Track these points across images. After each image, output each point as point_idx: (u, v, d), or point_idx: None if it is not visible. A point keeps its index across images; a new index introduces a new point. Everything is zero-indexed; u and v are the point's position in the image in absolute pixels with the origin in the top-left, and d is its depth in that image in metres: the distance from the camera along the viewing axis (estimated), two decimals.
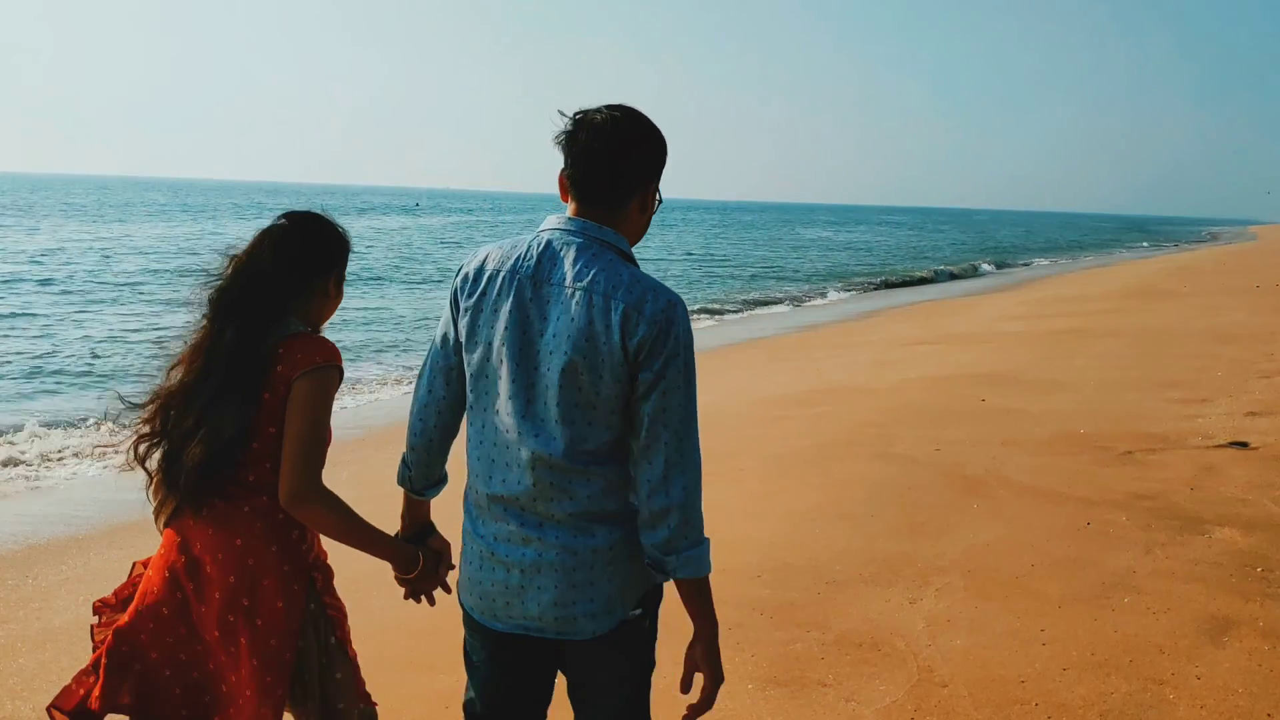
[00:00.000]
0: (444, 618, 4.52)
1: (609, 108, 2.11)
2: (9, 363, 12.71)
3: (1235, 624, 4.33)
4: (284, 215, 2.43)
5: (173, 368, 2.34)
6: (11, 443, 8.50)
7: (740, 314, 21.52)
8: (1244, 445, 7.45)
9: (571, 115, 2.11)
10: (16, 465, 7.87)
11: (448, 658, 4.14)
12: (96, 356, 13.42)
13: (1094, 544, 5.38)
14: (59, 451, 8.24)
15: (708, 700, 2.13)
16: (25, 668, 4.13)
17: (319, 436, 2.25)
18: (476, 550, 2.17)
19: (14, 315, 17.00)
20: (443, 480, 2.39)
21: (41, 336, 14.99)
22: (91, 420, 9.34)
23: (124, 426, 2.35)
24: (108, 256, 29.36)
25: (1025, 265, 42.11)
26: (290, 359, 2.26)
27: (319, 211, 2.48)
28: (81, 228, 44.03)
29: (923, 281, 32.33)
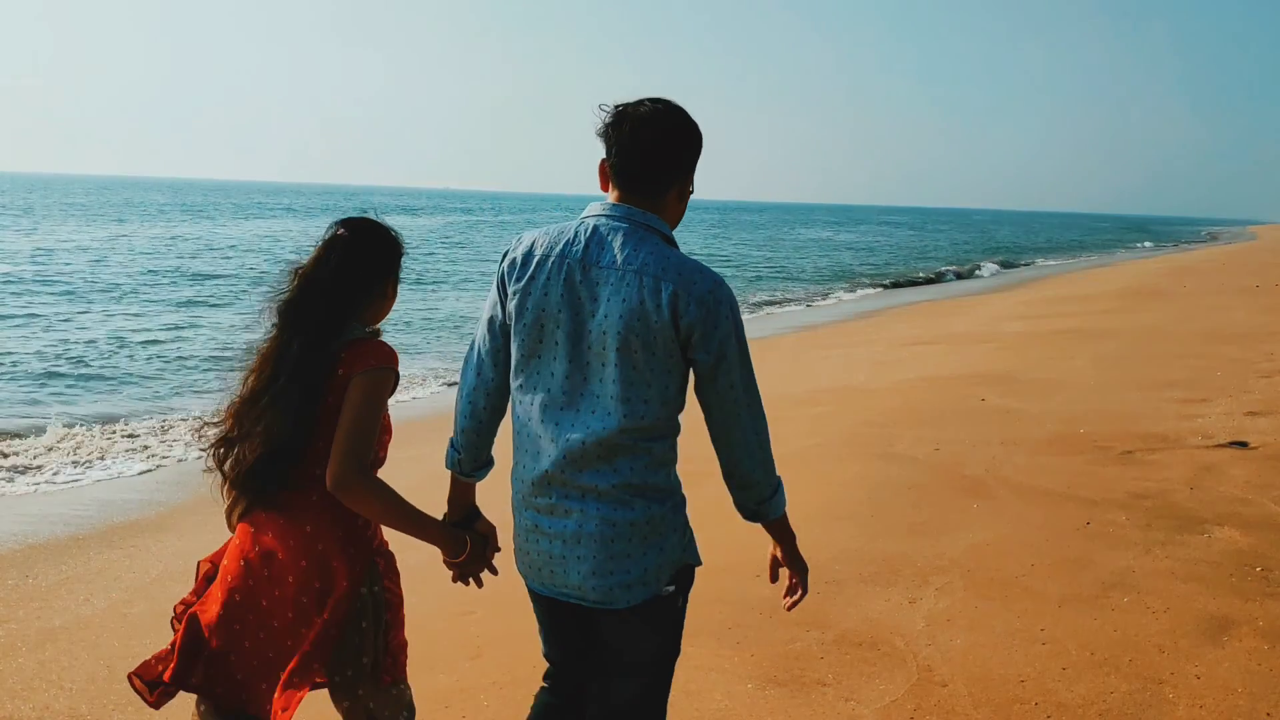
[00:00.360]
0: (442, 618, 4.54)
1: (650, 100, 2.23)
2: (26, 362, 12.70)
3: (1235, 623, 4.33)
4: (341, 224, 2.51)
5: (246, 376, 2.47)
6: (23, 441, 8.50)
7: (752, 315, 21.47)
8: (1244, 445, 7.45)
9: (613, 107, 2.23)
10: (35, 469, 7.85)
11: (447, 658, 4.14)
12: (107, 356, 13.42)
13: (1094, 543, 5.38)
14: (74, 451, 8.24)
15: (804, 585, 2.46)
16: (25, 667, 4.13)
17: (365, 429, 2.35)
18: (523, 522, 2.31)
19: (30, 315, 17.03)
20: (490, 462, 2.49)
21: (53, 334, 15.01)
22: (119, 420, 9.38)
23: (204, 437, 2.50)
24: (98, 260, 29.25)
25: (1028, 265, 42.10)
26: (351, 361, 2.38)
27: (373, 217, 2.56)
28: (83, 228, 43.99)
29: (930, 281, 32.38)
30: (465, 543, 2.50)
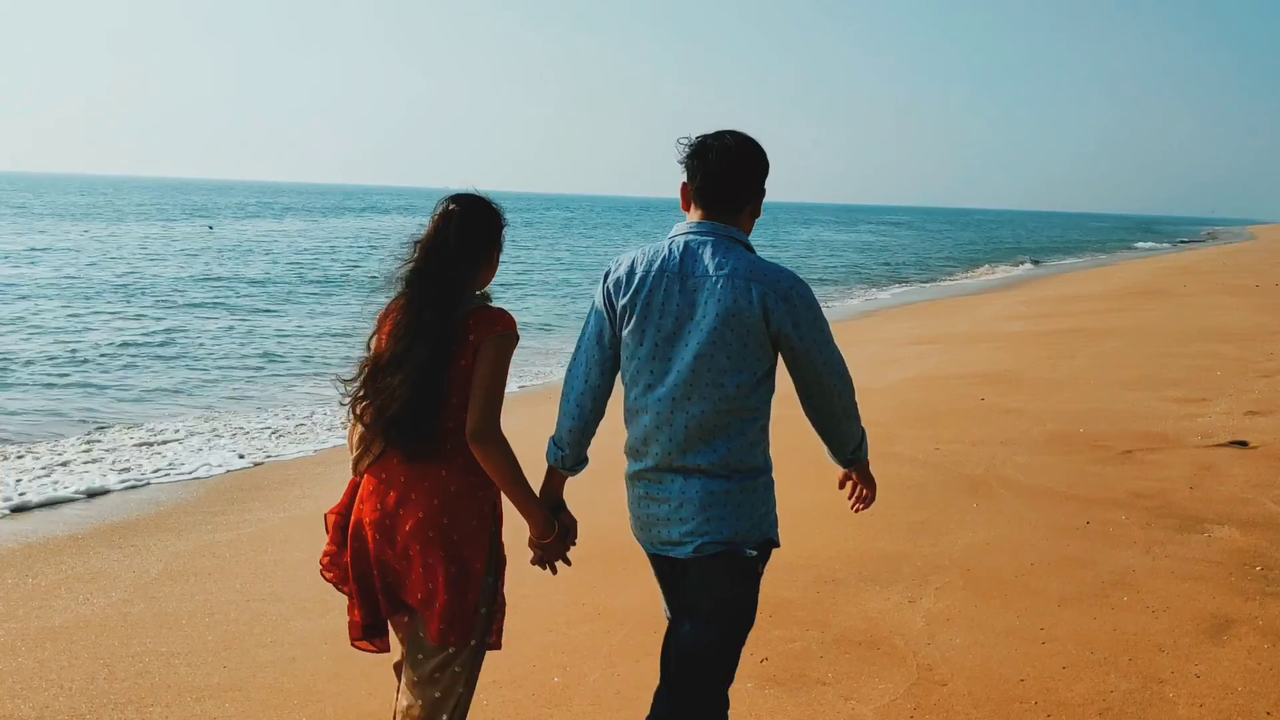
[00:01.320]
0: None
1: (729, 134, 2.65)
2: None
3: (1235, 622, 4.33)
4: (451, 199, 2.77)
5: (372, 338, 2.77)
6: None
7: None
8: (1244, 444, 7.45)
9: (694, 139, 2.65)
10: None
11: None
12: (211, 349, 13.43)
13: (1093, 543, 5.38)
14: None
15: (872, 496, 2.93)
16: (25, 666, 4.13)
17: (498, 388, 2.64)
18: (636, 492, 2.69)
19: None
20: (587, 460, 2.80)
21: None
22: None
23: (342, 394, 2.77)
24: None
25: (1039, 264, 42.07)
26: (479, 328, 2.64)
27: (478, 194, 2.82)
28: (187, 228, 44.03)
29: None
30: (554, 526, 2.79)
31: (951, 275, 35.03)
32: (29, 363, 12.63)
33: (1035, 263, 41.22)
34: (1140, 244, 64.63)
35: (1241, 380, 10.20)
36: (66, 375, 11.98)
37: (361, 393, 2.72)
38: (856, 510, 2.98)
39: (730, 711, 3.42)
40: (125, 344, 14.38)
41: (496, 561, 2.76)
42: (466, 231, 2.72)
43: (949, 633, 4.29)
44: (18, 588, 5.08)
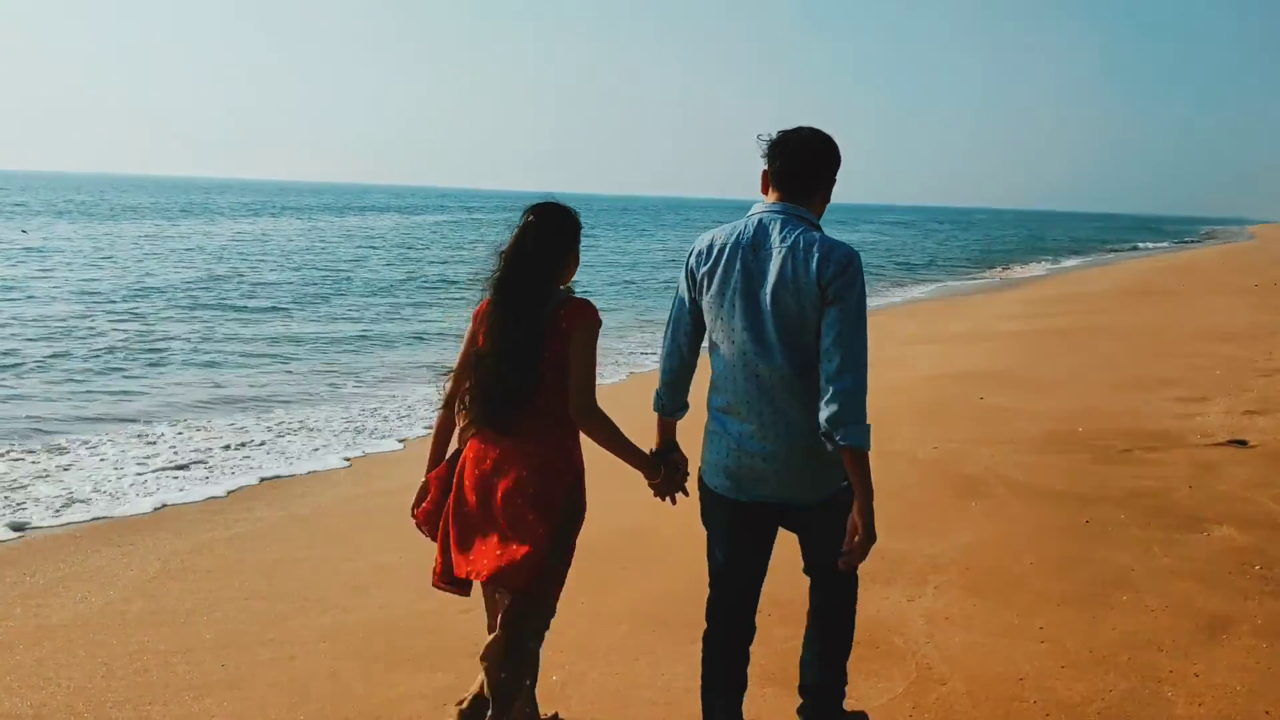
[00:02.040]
0: (441, 616, 4.53)
1: (806, 129, 3.00)
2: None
3: (1233, 622, 4.33)
4: (531, 210, 3.15)
5: (471, 333, 3.18)
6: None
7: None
8: (1243, 443, 7.45)
9: (776, 133, 3.00)
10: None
11: (446, 656, 4.14)
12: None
13: (1092, 542, 5.38)
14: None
15: (862, 551, 2.91)
16: (22, 664, 4.12)
17: (591, 369, 3.06)
18: (725, 445, 2.98)
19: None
20: (686, 406, 3.22)
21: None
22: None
23: (440, 381, 3.27)
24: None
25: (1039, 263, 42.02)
26: (569, 319, 3.05)
27: (554, 201, 3.20)
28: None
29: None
30: (660, 468, 3.21)
31: (977, 273, 35.00)
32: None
33: (1055, 261, 41.18)
34: (1141, 243, 64.54)
35: (1241, 379, 10.20)
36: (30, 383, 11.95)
37: (462, 377, 3.17)
38: (844, 565, 2.94)
39: None
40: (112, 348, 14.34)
41: (574, 526, 3.16)
42: (543, 239, 3.10)
43: (948, 631, 4.29)
44: (16, 585, 5.08)
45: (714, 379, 3.03)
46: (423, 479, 3.32)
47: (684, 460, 3.30)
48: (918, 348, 13.72)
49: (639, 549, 5.41)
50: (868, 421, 2.80)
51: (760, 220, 2.95)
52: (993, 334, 15.01)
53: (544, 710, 3.53)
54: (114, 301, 18.95)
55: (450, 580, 3.18)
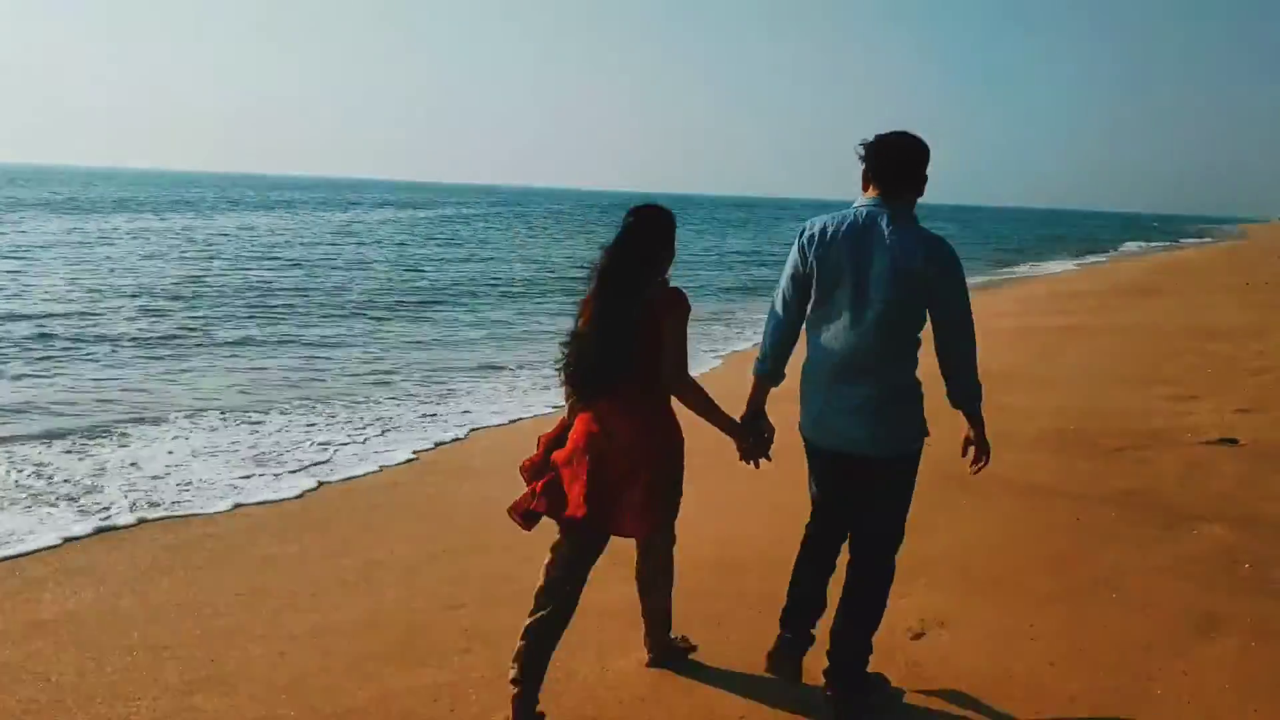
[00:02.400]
0: (431, 612, 4.53)
1: (901, 133, 3.46)
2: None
3: (1223, 620, 4.34)
4: (631, 212, 3.63)
5: (577, 318, 3.66)
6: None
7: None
8: (1233, 442, 7.47)
9: (874, 137, 3.46)
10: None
11: (437, 651, 4.14)
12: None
13: (1083, 540, 5.40)
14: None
15: (987, 458, 3.75)
16: (11, 660, 4.11)
17: (682, 346, 3.55)
18: (820, 400, 3.53)
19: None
20: (784, 375, 3.67)
21: None
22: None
23: (558, 361, 3.70)
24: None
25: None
26: (663, 305, 3.52)
27: (653, 204, 3.69)
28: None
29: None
30: (748, 435, 3.71)
31: (1007, 269, 35.05)
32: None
33: (1078, 257, 41.16)
34: (1133, 242, 64.60)
35: (1232, 378, 10.24)
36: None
37: (570, 356, 3.63)
38: (975, 472, 3.71)
39: (719, 701, 3.44)
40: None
41: (677, 474, 3.68)
42: (641, 236, 3.58)
43: (938, 629, 4.30)
44: (6, 580, 5.06)
45: (818, 345, 3.51)
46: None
47: (771, 430, 3.76)
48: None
49: (629, 547, 5.40)
50: (979, 380, 3.56)
51: (867, 212, 3.41)
52: (985, 332, 14.87)
53: (540, 708, 3.53)
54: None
55: (525, 515, 3.66)
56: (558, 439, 3.74)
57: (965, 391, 3.57)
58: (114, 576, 5.12)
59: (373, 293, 21.08)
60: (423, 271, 26.58)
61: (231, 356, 12.90)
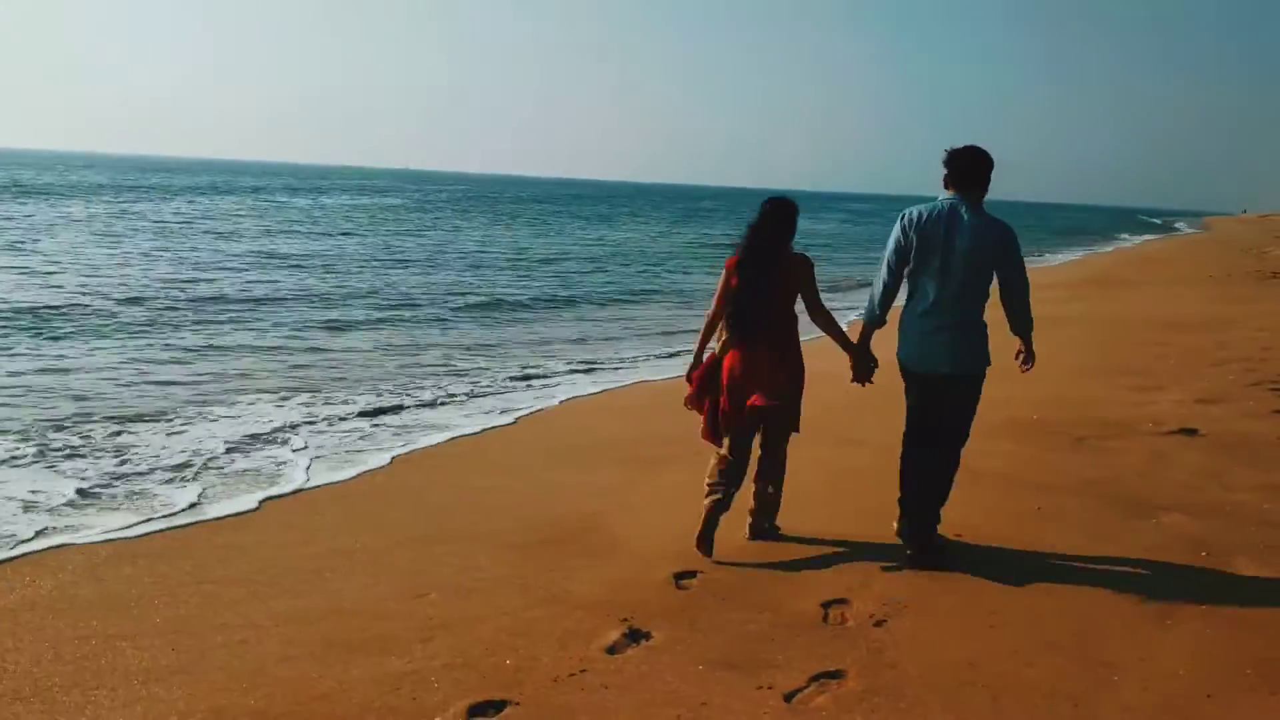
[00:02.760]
0: (395, 600, 4.51)
1: (970, 147, 4.88)
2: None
3: (1180, 607, 4.40)
4: (767, 201, 5.15)
5: (725, 278, 5.10)
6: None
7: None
8: (1194, 432, 7.56)
9: (949, 150, 4.87)
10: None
11: (400, 640, 4.12)
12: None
13: (1045, 528, 5.45)
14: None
15: (1031, 360, 5.14)
16: None
17: (816, 290, 5.13)
18: (916, 331, 4.95)
19: None
20: (885, 320, 5.12)
21: None
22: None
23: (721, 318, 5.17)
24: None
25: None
26: (795, 266, 5.09)
27: (782, 196, 5.19)
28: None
29: None
30: (863, 356, 5.25)
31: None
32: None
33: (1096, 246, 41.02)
34: (1100, 234, 65.09)
35: (1194, 369, 10.36)
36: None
37: (728, 308, 5.07)
38: (1024, 371, 5.10)
39: (680, 693, 3.45)
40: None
41: (799, 393, 5.16)
42: (776, 219, 5.09)
43: (900, 616, 4.33)
44: None
45: (915, 296, 4.94)
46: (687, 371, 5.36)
47: (875, 361, 5.25)
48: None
49: (592, 537, 5.41)
50: (1031, 317, 4.99)
51: (950, 204, 4.85)
52: None
53: (498, 694, 3.53)
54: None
55: (716, 436, 5.17)
56: (710, 370, 5.17)
57: (1024, 324, 4.99)
58: (73, 564, 5.06)
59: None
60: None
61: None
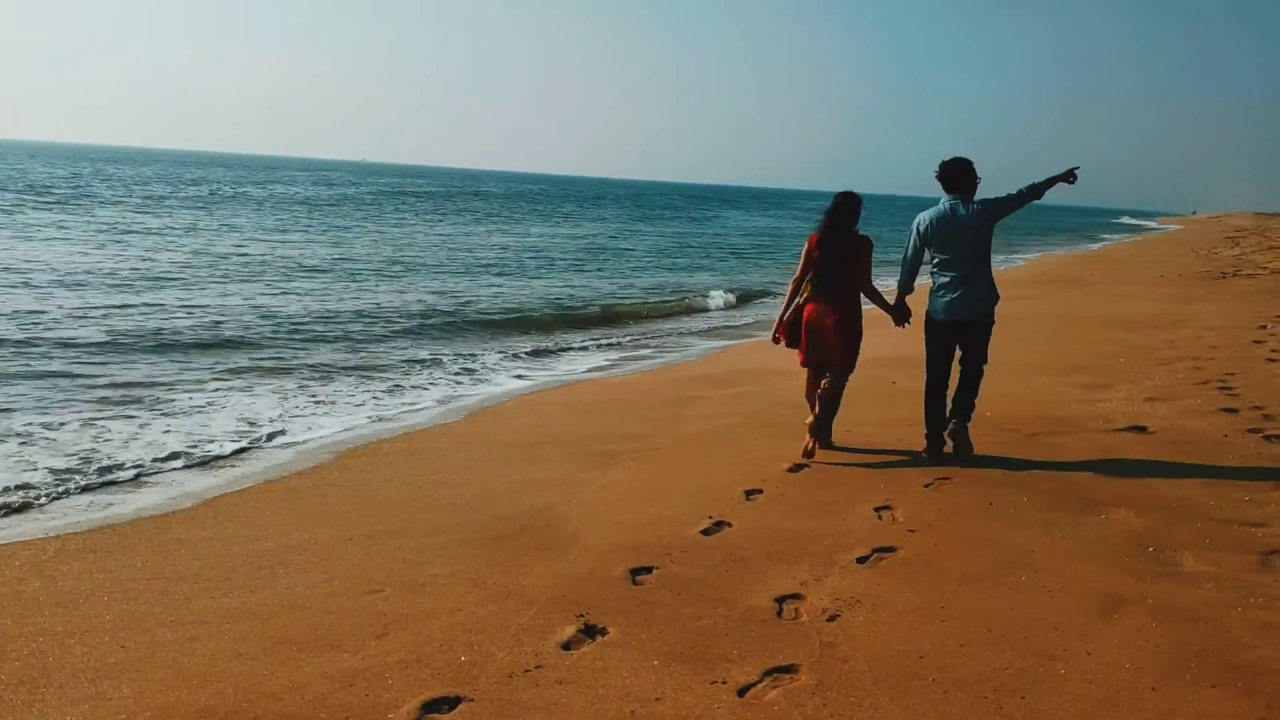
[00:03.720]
0: (348, 596, 4.48)
1: (955, 158, 6.87)
2: None
3: (1126, 602, 4.47)
4: (839, 195, 6.97)
5: (808, 250, 7.01)
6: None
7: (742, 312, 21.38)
8: (1142, 429, 7.69)
9: (941, 162, 6.83)
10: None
11: (353, 636, 4.09)
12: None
13: (995, 523, 5.52)
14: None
15: (1074, 176, 7.11)
16: None
17: (870, 267, 6.95)
18: (945, 298, 6.86)
19: None
20: (913, 289, 7.16)
21: None
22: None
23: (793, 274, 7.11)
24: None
25: None
26: (860, 244, 6.91)
27: (850, 191, 6.97)
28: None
29: None
30: (901, 311, 7.09)
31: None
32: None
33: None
34: (1055, 234, 65.87)
35: (1143, 367, 10.53)
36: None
37: (807, 271, 6.97)
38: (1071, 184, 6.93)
39: (633, 688, 3.45)
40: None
41: (858, 340, 6.89)
42: (846, 208, 6.91)
43: (852, 611, 4.37)
44: None
45: (939, 269, 6.85)
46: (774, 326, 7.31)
47: (910, 311, 7.07)
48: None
49: (546, 533, 5.41)
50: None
51: (949, 204, 6.77)
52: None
53: (452, 690, 3.52)
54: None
55: (813, 364, 7.01)
56: (794, 321, 7.00)
57: (1029, 188, 6.79)
58: (19, 560, 4.99)
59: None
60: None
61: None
